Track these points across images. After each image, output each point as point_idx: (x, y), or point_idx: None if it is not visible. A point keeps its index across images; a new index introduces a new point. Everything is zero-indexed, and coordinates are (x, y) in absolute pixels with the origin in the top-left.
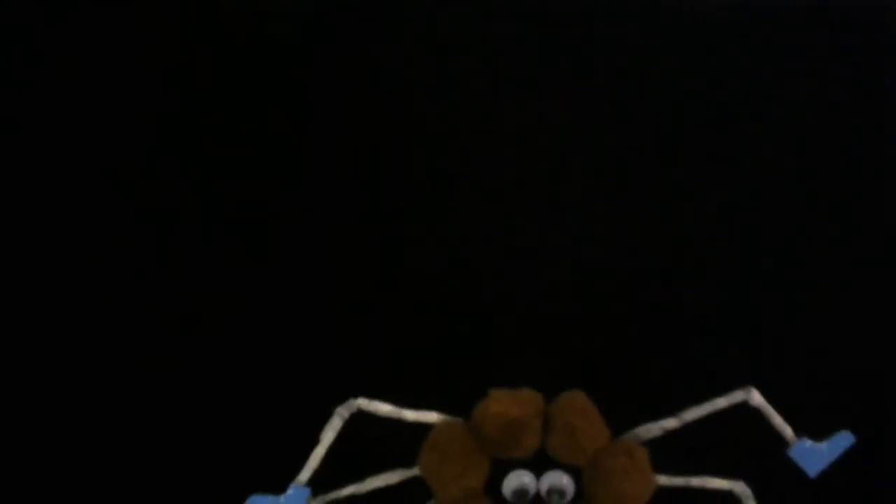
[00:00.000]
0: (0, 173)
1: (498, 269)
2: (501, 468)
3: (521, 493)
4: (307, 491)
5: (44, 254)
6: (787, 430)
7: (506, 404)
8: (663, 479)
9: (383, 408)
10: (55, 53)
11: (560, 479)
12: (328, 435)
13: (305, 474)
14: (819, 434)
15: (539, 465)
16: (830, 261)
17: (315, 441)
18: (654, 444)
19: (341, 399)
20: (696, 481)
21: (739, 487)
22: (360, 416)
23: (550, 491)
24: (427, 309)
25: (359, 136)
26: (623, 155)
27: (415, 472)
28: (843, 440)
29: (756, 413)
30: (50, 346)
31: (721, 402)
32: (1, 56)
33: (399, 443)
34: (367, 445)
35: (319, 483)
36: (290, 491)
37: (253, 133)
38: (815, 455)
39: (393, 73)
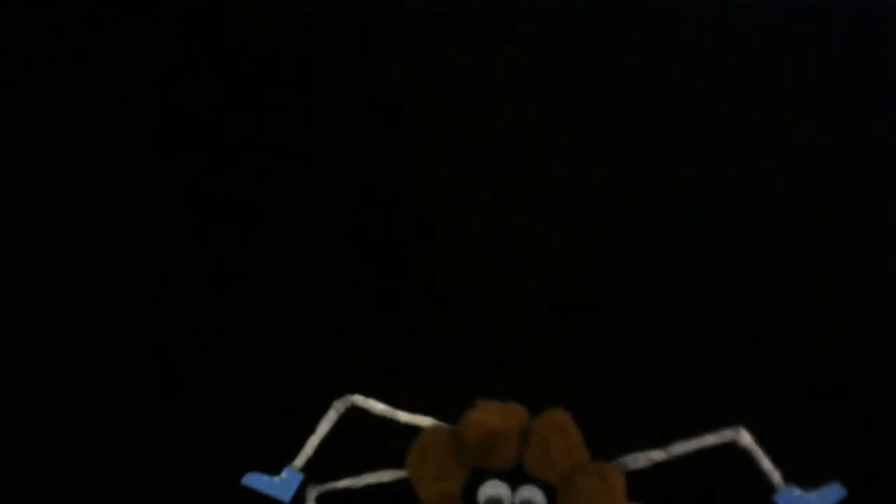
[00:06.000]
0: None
1: (502, 274)
2: (482, 478)
3: (493, 502)
4: (301, 476)
5: (43, 253)
6: (776, 476)
7: (488, 414)
8: None
9: (378, 406)
10: (55, 53)
11: (533, 494)
12: (323, 426)
13: (300, 460)
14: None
15: (518, 478)
16: (830, 261)
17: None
18: (640, 476)
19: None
20: None
21: None
22: (362, 418)
23: None
24: (433, 316)
25: (358, 137)
26: (622, 154)
27: (405, 473)
28: (833, 492)
29: (744, 454)
30: (49, 344)
31: (710, 440)
32: (1, 56)
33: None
34: (368, 445)
35: (319, 477)
36: (284, 474)
37: (253, 133)
38: None
39: (393, 73)
